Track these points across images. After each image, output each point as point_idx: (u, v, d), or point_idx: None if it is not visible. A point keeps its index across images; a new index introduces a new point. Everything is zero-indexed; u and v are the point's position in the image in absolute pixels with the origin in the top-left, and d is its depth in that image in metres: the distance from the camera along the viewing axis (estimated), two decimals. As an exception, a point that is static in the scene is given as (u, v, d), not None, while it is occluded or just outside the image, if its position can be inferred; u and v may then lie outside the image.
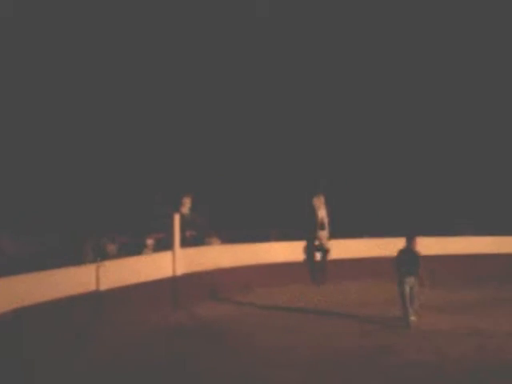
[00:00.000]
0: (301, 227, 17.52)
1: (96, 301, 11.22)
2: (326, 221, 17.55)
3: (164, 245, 14.11)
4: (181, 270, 13.88)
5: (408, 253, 11.97)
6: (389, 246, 18.80)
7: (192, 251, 14.48)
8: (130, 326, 11.16)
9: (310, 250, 17.19)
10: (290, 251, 17.55)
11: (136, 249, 13.94)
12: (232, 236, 16.98)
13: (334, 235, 17.66)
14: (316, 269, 16.95)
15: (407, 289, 11.76)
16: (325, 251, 16.94)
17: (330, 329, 11.15)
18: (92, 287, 11.40)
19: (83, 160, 18.79)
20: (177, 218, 14.15)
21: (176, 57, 23.16)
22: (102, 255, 12.56)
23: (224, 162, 21.99)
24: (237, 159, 22.46)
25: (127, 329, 10.97)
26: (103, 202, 16.89)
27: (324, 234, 17.04)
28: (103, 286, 11.55)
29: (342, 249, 17.75)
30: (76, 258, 11.80)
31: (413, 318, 11.66)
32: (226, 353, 9.42)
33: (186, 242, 14.64)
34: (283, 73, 23.73)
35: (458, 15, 23.84)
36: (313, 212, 17.37)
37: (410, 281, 11.79)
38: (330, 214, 17.68)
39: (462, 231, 21.22)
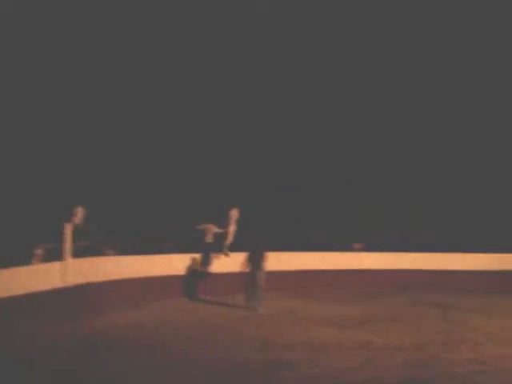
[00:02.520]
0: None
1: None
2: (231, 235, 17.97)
3: (55, 255, 13.53)
4: (72, 281, 13.35)
5: (257, 253, 15.46)
6: (289, 260, 19.26)
7: (84, 262, 13.97)
8: (11, 339, 10.56)
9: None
10: (186, 263, 17.40)
11: (23, 258, 13.27)
12: (128, 247, 16.65)
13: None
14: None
15: (252, 280, 15.21)
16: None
17: (226, 342, 11.06)
18: (-26, 298, 10.75)
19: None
20: (68, 228, 13.64)
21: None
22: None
23: (123, 174, 21.63)
24: (135, 172, 22.14)
25: (9, 342, 10.38)
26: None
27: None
28: (-13, 297, 10.91)
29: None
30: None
31: (261, 309, 14.74)
32: (115, 366, 9.09)
33: (78, 253, 14.13)
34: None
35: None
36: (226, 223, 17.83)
37: (257, 274, 15.27)
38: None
39: (355, 248, 21.92)
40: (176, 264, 17.08)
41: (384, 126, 25.67)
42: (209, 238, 17.88)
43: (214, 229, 17.83)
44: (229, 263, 17.48)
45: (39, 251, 13.74)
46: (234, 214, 17.98)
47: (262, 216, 21.83)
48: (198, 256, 17.64)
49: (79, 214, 15.60)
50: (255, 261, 15.51)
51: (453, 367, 9.26)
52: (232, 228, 17.90)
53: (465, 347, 10.80)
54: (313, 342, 11.08)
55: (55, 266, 13.13)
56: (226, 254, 17.79)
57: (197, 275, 17.61)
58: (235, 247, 17.69)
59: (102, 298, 14.01)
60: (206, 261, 17.85)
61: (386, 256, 21.39)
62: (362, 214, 23.65)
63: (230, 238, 17.97)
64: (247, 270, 15.56)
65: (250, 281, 15.42)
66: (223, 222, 17.77)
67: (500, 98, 25.68)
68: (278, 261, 19.03)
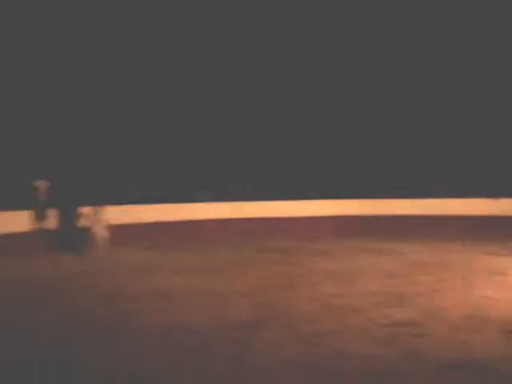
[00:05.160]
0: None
1: None
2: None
3: None
4: None
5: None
6: (133, 213, 19.15)
7: None
8: None
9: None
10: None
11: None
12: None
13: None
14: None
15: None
16: None
17: (74, 295, 10.85)
18: None
19: None
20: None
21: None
22: None
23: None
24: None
25: None
26: None
27: None
28: None
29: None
30: None
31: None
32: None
33: None
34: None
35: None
36: None
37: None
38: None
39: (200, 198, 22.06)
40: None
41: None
42: (42, 195, 17.90)
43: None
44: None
45: None
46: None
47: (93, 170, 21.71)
48: None
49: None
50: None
51: (296, 306, 9.66)
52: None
53: (306, 287, 11.32)
54: (161, 292, 11.06)
55: None
56: None
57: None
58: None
59: None
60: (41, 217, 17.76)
61: (230, 205, 21.76)
62: (207, 165, 23.84)
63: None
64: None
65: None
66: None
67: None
68: (123, 213, 18.89)
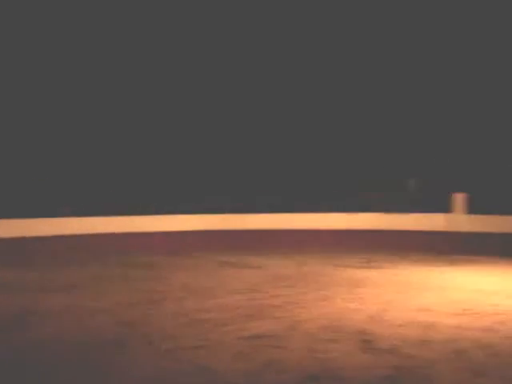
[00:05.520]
0: None
1: None
2: None
3: None
4: None
5: None
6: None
7: None
8: None
9: None
10: None
11: None
12: None
13: None
14: None
15: None
16: None
17: None
18: None
19: None
20: None
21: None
22: None
23: None
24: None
25: None
26: None
27: None
28: None
29: None
30: None
31: None
32: None
33: None
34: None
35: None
36: None
37: None
38: None
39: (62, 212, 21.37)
40: None
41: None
42: None
43: None
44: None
45: None
46: None
47: None
48: None
49: None
50: None
51: (159, 322, 9.64)
52: None
53: (169, 303, 11.30)
54: (15, 311, 10.64)
55: None
56: None
57: None
58: None
59: None
60: None
61: (95, 220, 21.27)
62: (73, 179, 23.25)
63: None
64: None
65: None
66: None
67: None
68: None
